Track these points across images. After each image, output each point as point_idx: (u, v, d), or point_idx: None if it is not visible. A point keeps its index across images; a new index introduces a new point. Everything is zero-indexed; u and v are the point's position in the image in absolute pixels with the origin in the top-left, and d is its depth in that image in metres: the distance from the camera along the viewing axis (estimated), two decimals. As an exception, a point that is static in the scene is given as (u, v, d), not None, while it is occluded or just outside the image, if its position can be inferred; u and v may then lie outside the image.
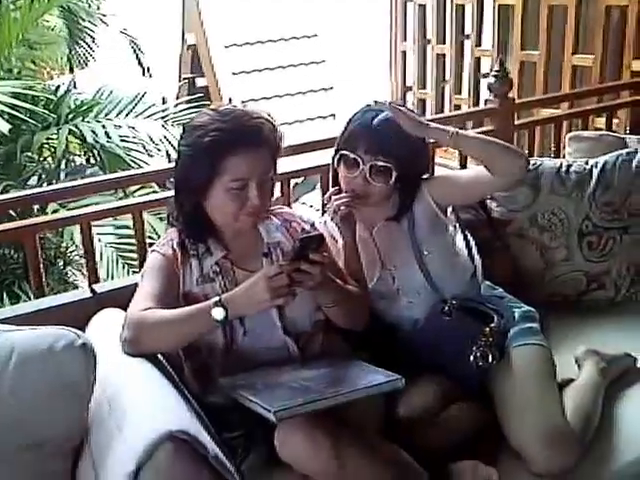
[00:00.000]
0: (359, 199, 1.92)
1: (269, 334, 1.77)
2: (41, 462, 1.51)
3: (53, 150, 4.82)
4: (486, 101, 2.96)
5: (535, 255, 2.40)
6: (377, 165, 1.87)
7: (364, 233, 2.02)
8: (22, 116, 4.36)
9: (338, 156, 1.94)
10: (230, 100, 7.02)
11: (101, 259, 3.97)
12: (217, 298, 1.61)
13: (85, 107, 4.85)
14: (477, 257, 2.10)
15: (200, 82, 7.94)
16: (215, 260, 1.79)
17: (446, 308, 1.94)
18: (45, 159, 4.99)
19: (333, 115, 7.53)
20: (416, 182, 1.99)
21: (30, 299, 2.98)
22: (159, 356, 1.74)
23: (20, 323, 1.63)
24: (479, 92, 5.07)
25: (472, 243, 2.11)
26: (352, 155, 1.90)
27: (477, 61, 5.09)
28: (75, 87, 6.39)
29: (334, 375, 1.64)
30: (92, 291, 1.94)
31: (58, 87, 5.14)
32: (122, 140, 4.54)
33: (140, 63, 7.35)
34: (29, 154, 4.64)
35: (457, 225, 2.09)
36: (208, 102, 7.57)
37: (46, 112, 4.52)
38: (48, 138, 4.69)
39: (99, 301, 1.92)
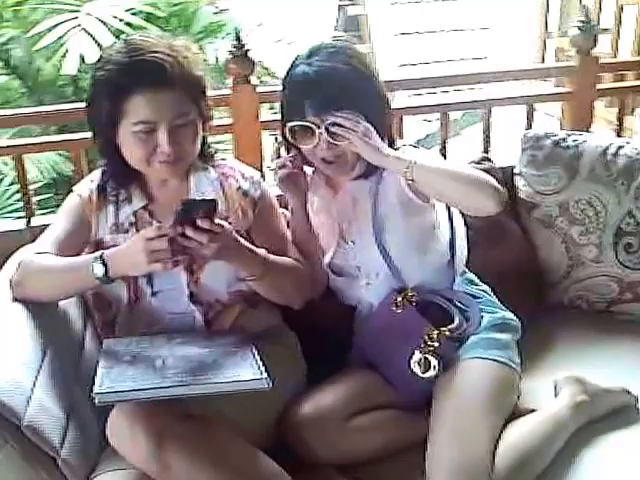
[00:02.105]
0: (337, 166, 1.64)
1: (176, 299, 1.60)
2: None
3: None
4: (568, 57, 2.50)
5: (560, 249, 2.00)
6: (333, 125, 1.56)
7: (328, 194, 1.75)
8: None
9: (289, 131, 1.62)
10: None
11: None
12: (99, 253, 1.45)
13: (214, 27, 4.83)
14: (461, 244, 1.77)
15: (352, 10, 7.59)
16: (133, 209, 1.62)
17: (399, 299, 1.65)
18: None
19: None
20: (381, 131, 1.62)
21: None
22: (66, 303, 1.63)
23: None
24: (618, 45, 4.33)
25: (458, 226, 1.77)
26: (303, 124, 1.58)
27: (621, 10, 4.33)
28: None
29: (208, 359, 1.42)
30: (27, 224, 1.84)
31: (188, 5, 5.13)
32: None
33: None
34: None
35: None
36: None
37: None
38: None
39: (34, 234, 1.81)
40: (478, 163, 2.05)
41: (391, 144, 1.68)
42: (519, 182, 2.05)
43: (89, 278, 1.44)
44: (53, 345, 1.50)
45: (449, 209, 1.76)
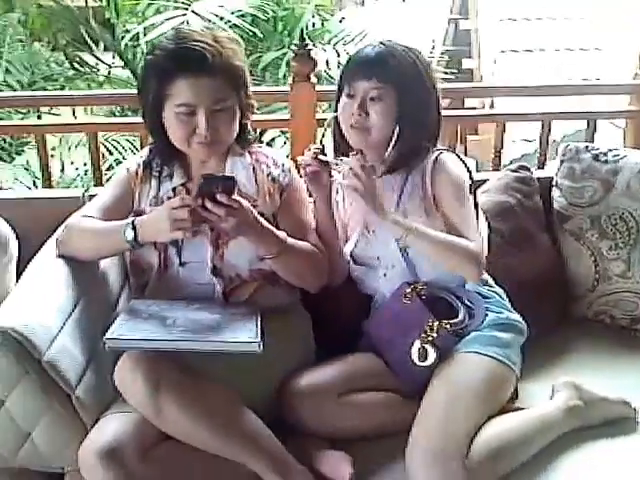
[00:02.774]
0: (359, 132, 1.74)
1: (200, 271, 1.74)
2: None
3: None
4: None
5: (588, 262, 2.02)
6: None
7: None
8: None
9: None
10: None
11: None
12: (131, 219, 1.61)
13: (317, 33, 4.99)
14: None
15: (463, 25, 7.59)
16: (173, 186, 1.78)
17: (408, 290, 1.73)
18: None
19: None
20: (419, 131, 1.74)
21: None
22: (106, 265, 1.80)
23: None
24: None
25: (481, 230, 1.82)
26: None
27: None
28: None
29: (213, 323, 1.56)
30: (83, 193, 2.04)
31: (293, 10, 5.29)
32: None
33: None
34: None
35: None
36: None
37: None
38: (276, 58, 4.89)
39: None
40: (514, 171, 2.09)
41: (433, 145, 1.79)
42: (555, 193, 2.08)
43: (121, 241, 1.61)
44: (87, 298, 1.67)
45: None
